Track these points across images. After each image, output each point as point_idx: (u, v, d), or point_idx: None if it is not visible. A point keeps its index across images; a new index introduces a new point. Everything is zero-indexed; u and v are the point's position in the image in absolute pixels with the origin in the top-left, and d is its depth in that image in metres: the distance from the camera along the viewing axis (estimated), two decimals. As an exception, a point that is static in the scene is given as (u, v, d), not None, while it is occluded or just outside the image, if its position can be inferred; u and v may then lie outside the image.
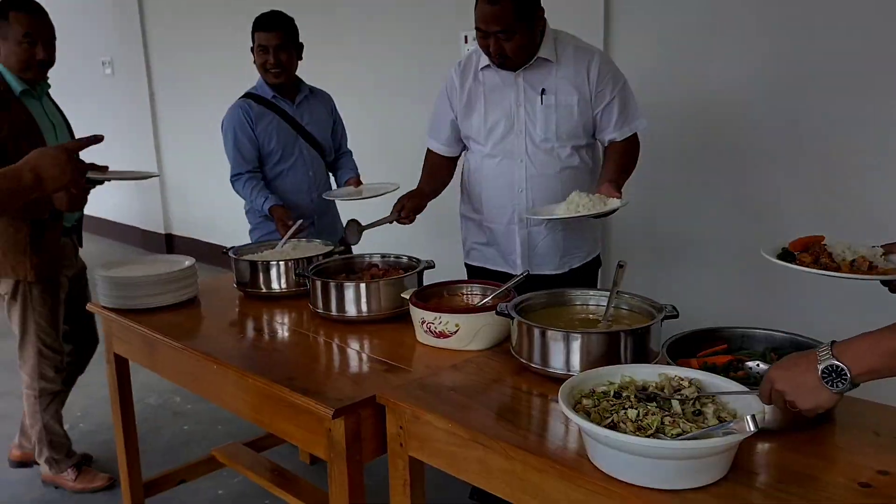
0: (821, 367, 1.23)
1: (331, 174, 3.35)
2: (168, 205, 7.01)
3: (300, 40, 3.11)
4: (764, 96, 3.16)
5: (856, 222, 2.95)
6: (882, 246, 1.66)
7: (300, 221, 2.78)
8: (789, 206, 3.18)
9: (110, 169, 2.13)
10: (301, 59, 3.14)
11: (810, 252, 1.65)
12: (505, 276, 2.49)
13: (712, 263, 3.44)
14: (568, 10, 2.45)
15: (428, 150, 2.68)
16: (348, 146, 3.43)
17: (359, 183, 3.17)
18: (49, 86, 2.97)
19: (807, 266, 1.61)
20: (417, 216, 2.57)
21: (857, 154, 2.97)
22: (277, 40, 2.98)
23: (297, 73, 3.15)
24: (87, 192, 2.46)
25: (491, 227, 2.57)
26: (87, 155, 1.85)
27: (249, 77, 3.23)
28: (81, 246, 3.15)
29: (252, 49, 3.07)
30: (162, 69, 6.66)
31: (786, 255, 1.72)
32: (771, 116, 3.16)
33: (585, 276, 2.59)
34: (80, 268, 3.13)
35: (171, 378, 2.29)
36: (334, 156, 3.34)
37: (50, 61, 2.83)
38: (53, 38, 2.83)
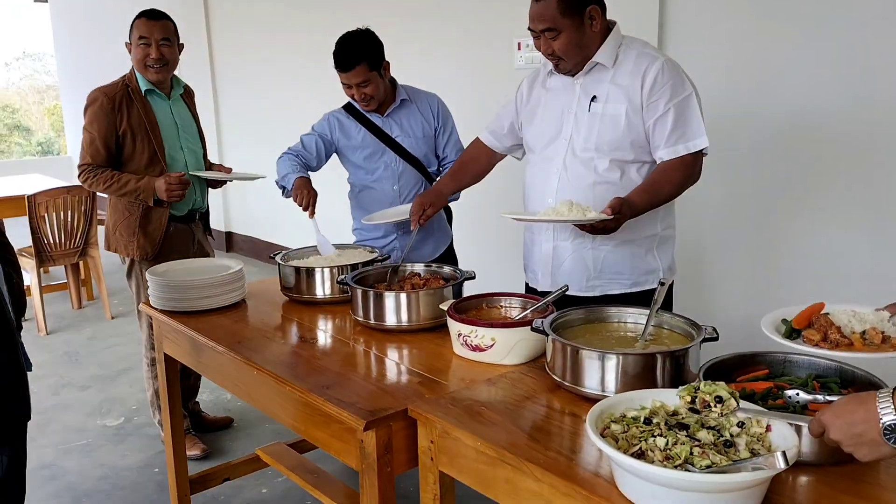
0: (883, 423, 1.11)
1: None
2: (229, 203, 7.19)
3: (383, 59, 2.92)
4: (835, 107, 3.05)
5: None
6: (887, 308, 1.58)
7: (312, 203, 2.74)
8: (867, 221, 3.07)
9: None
10: (387, 75, 2.97)
11: (816, 327, 1.56)
12: (534, 293, 2.45)
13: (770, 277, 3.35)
14: (619, 16, 2.35)
15: (475, 139, 2.66)
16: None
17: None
18: (184, 89, 3.27)
19: (816, 345, 1.54)
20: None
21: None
22: (358, 78, 2.83)
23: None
24: (185, 187, 3.01)
25: (526, 238, 2.53)
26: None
27: (315, 81, 3.22)
28: (211, 237, 3.47)
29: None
30: (225, 64, 6.83)
31: (791, 331, 1.64)
32: (839, 127, 3.05)
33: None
34: (202, 253, 3.35)
35: (215, 380, 2.35)
36: (437, 166, 3.17)
37: (163, 61, 3.07)
38: (169, 40, 3.10)
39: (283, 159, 2.96)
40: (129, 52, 3.11)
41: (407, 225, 2.88)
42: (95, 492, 3.10)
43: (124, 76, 3.14)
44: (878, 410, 1.13)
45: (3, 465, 1.95)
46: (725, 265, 3.52)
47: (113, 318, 5.38)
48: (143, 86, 3.10)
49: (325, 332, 2.27)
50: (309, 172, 2.94)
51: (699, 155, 2.26)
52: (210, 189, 3.43)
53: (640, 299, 2.37)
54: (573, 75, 2.33)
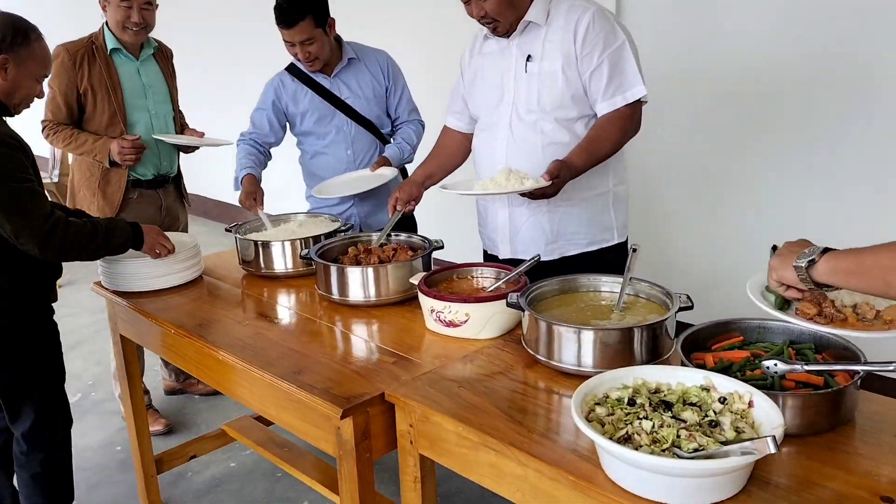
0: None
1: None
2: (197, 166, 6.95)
3: (328, 15, 2.77)
4: (785, 54, 3.04)
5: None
6: None
7: (263, 210, 2.67)
8: (808, 172, 3.10)
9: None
10: (332, 32, 2.82)
11: (810, 300, 1.53)
12: (495, 260, 2.42)
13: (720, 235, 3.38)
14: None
15: (444, 127, 2.59)
16: (417, 116, 3.05)
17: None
18: (156, 49, 3.13)
19: (811, 319, 1.53)
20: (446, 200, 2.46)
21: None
22: (301, 36, 2.68)
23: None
24: (138, 151, 2.93)
25: (480, 206, 2.48)
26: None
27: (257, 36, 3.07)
28: (187, 202, 3.34)
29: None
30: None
31: (784, 302, 1.59)
32: (791, 77, 3.05)
33: (599, 265, 2.32)
34: (170, 218, 3.21)
35: (176, 362, 2.27)
36: (391, 127, 3.04)
37: (144, 24, 2.95)
38: (150, 3, 2.97)
39: (238, 149, 2.87)
40: (104, 11, 2.96)
41: (362, 193, 2.80)
42: (56, 474, 3.01)
43: (92, 34, 3.01)
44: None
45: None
46: (681, 218, 3.53)
47: (60, 286, 5.18)
48: (110, 44, 2.97)
49: (290, 310, 2.21)
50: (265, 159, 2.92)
51: (637, 105, 2.22)
52: (183, 154, 3.29)
53: (599, 258, 2.37)
54: (508, 36, 2.26)
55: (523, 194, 2.10)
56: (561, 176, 2.05)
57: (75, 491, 2.81)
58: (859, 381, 1.43)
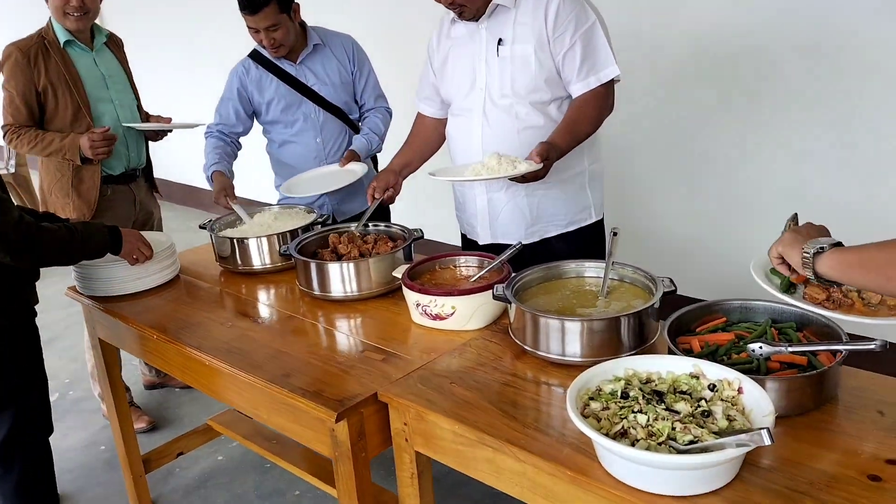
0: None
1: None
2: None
3: (293, 0, 2.71)
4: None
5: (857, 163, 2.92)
6: None
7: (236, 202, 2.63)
8: (777, 146, 3.13)
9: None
10: (297, 18, 2.78)
11: (817, 283, 1.54)
12: (475, 245, 2.44)
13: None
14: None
15: (417, 114, 2.56)
16: (384, 103, 3.00)
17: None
18: (108, 38, 3.03)
19: (820, 304, 1.54)
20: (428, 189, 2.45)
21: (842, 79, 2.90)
22: (266, 22, 2.62)
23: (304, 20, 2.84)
24: (110, 143, 2.81)
25: (457, 192, 2.47)
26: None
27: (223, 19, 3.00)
28: (157, 192, 3.28)
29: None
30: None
31: (790, 285, 1.62)
32: (759, 45, 3.07)
33: (578, 244, 2.40)
34: (144, 213, 3.17)
35: (161, 367, 2.24)
36: (359, 114, 2.99)
37: (84, 8, 2.84)
38: None
39: (206, 143, 2.82)
40: (46, 1, 2.85)
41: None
42: (41, 477, 2.99)
43: (40, 29, 2.90)
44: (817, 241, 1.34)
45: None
46: (654, 192, 3.56)
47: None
48: (62, 37, 2.87)
49: (271, 308, 2.19)
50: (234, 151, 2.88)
51: (611, 84, 2.23)
52: (151, 142, 3.22)
53: (578, 237, 2.40)
54: (477, 20, 2.24)
55: (516, 178, 2.10)
56: (550, 157, 2.06)
57: (62, 494, 2.80)
58: (842, 360, 1.47)
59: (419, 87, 2.51)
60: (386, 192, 2.43)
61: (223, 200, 2.64)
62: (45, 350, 4.09)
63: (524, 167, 2.03)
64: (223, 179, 2.70)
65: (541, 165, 2.03)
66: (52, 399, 3.48)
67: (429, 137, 2.52)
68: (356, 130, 2.94)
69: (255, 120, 2.97)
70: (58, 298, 4.64)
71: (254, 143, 3.06)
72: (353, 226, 2.39)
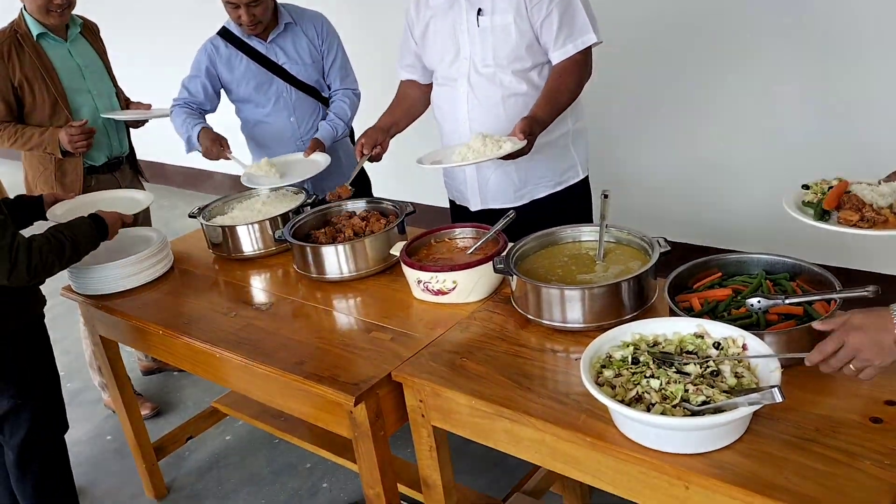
0: None
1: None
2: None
3: None
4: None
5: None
6: (886, 179, 1.65)
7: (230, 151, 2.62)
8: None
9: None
10: None
11: (849, 207, 1.55)
12: (465, 211, 2.46)
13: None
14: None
15: (400, 81, 2.54)
16: (352, 84, 2.94)
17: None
18: (82, 26, 2.97)
19: (854, 226, 1.54)
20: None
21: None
22: None
23: None
24: (89, 136, 2.78)
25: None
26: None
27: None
28: (143, 178, 3.24)
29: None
30: None
31: (823, 212, 1.64)
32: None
33: (567, 203, 2.43)
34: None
35: (168, 360, 2.26)
36: (329, 94, 2.94)
37: (68, 3, 2.82)
38: None
39: (175, 114, 2.76)
40: None
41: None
42: (51, 472, 3.02)
43: (12, 22, 2.82)
44: (894, 320, 1.27)
45: None
46: (637, 143, 3.59)
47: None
48: (35, 30, 2.81)
49: (271, 294, 2.21)
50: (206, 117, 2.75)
51: (588, 51, 2.23)
52: (133, 129, 3.17)
53: (567, 195, 2.43)
54: None
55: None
56: (533, 132, 2.08)
57: (77, 488, 2.84)
58: (837, 308, 1.54)
59: (400, 56, 2.49)
60: (374, 148, 2.41)
61: (217, 148, 2.62)
62: (36, 344, 4.06)
63: (509, 146, 2.05)
64: (212, 133, 2.68)
65: (525, 142, 2.06)
66: (51, 394, 3.52)
67: (415, 100, 2.52)
68: (328, 107, 2.92)
69: (221, 99, 2.92)
70: (42, 289, 4.63)
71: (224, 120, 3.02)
72: (344, 206, 2.40)
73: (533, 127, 2.08)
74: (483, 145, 2.07)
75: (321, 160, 2.69)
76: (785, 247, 2.17)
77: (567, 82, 2.20)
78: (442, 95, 2.37)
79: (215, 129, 2.78)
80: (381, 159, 2.48)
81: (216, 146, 2.64)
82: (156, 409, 3.25)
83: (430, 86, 2.48)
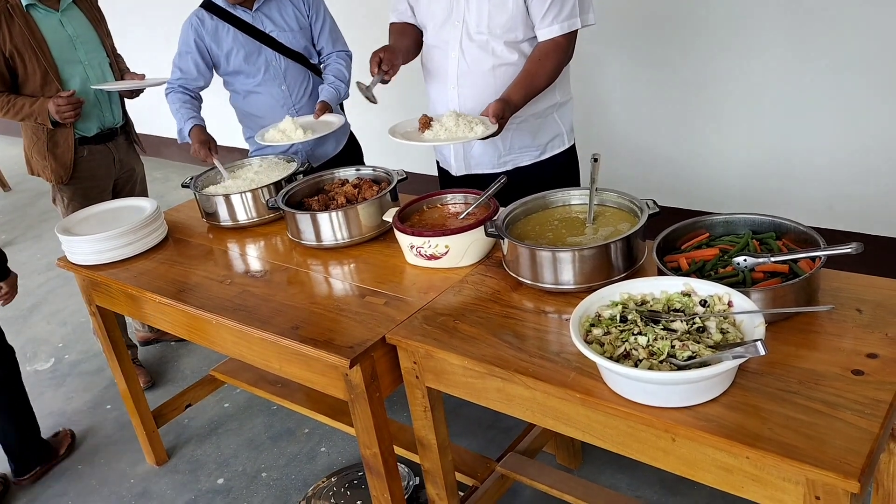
0: None
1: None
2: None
3: None
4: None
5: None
6: None
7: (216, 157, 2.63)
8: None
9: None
10: None
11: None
12: (449, 175, 2.48)
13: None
14: None
15: (390, 24, 2.49)
16: (343, 46, 2.94)
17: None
18: None
19: None
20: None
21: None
22: None
23: None
24: (76, 107, 2.80)
25: None
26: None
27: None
28: (139, 147, 3.27)
29: None
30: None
31: None
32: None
33: (552, 170, 2.43)
34: (125, 171, 3.18)
35: (164, 328, 2.28)
36: (319, 59, 2.93)
37: None
38: None
39: (171, 100, 2.77)
40: None
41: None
42: (53, 442, 3.07)
43: None
44: None
45: None
46: (623, 108, 3.60)
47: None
48: (25, 0, 2.80)
49: (266, 261, 2.23)
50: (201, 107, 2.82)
51: (573, 35, 2.22)
52: (128, 100, 3.18)
53: (551, 163, 2.44)
54: None
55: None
56: (505, 116, 2.10)
57: (78, 456, 2.89)
58: (821, 266, 1.57)
59: (394, 2, 2.45)
60: (389, 70, 2.27)
61: (205, 152, 2.63)
62: (33, 316, 4.11)
63: (480, 130, 2.07)
64: (202, 134, 2.68)
65: (496, 127, 2.07)
66: (48, 365, 3.57)
67: (415, 38, 2.43)
68: (318, 75, 2.91)
69: (213, 72, 2.91)
70: (34, 263, 4.65)
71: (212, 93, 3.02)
72: (337, 173, 2.42)
73: (505, 111, 2.10)
74: (455, 125, 2.09)
75: (335, 120, 2.70)
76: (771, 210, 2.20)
77: (546, 67, 2.20)
78: (432, 58, 2.37)
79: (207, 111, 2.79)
80: (388, 82, 2.35)
81: (203, 150, 2.64)
82: (149, 383, 3.27)
83: (419, 29, 2.43)
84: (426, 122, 2.19)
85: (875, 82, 2.88)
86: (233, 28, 2.77)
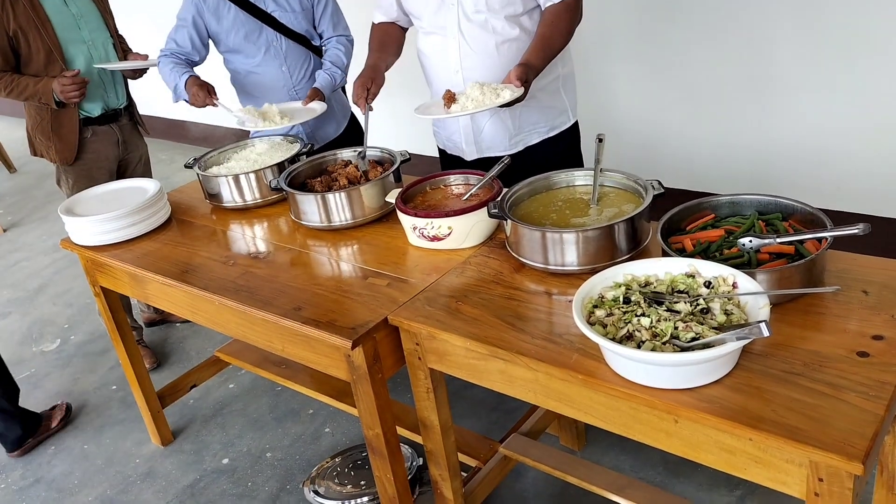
0: None
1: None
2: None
3: None
4: None
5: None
6: None
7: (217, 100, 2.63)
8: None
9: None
10: None
11: None
12: (458, 161, 2.46)
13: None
14: None
15: (372, 24, 2.50)
16: (344, 31, 2.91)
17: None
18: None
19: None
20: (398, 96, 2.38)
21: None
22: None
23: None
24: (81, 86, 2.79)
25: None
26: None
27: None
28: (143, 129, 3.26)
29: None
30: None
31: None
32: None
33: (558, 148, 2.43)
34: (129, 152, 3.17)
35: (168, 309, 2.29)
36: (320, 42, 2.91)
37: None
38: None
39: (162, 64, 2.75)
40: None
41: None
42: (59, 422, 3.09)
43: None
44: None
45: None
46: (625, 86, 3.56)
47: (5, 230, 5.04)
48: None
49: (269, 242, 2.22)
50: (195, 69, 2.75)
51: None
52: (131, 80, 3.17)
53: (558, 141, 2.43)
54: None
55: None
56: (528, 79, 2.07)
57: (84, 436, 2.91)
58: (827, 247, 1.55)
59: (378, 3, 2.44)
60: (370, 93, 2.34)
61: (204, 94, 2.62)
62: (39, 297, 4.13)
63: (507, 94, 2.04)
64: (200, 81, 2.68)
65: (522, 90, 2.04)
66: (54, 346, 3.58)
67: (398, 39, 2.46)
68: (321, 57, 2.89)
69: (209, 50, 2.89)
70: (40, 245, 4.67)
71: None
72: (340, 154, 2.41)
73: (528, 74, 2.07)
74: (482, 94, 2.06)
75: (317, 108, 2.68)
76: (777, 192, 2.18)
77: (560, 27, 2.17)
78: (430, 45, 2.34)
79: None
80: (376, 97, 2.40)
81: (203, 92, 2.64)
82: (155, 364, 3.28)
83: (402, 29, 2.44)
84: (451, 97, 2.16)
85: (885, 63, 2.84)
86: (234, 6, 2.74)
